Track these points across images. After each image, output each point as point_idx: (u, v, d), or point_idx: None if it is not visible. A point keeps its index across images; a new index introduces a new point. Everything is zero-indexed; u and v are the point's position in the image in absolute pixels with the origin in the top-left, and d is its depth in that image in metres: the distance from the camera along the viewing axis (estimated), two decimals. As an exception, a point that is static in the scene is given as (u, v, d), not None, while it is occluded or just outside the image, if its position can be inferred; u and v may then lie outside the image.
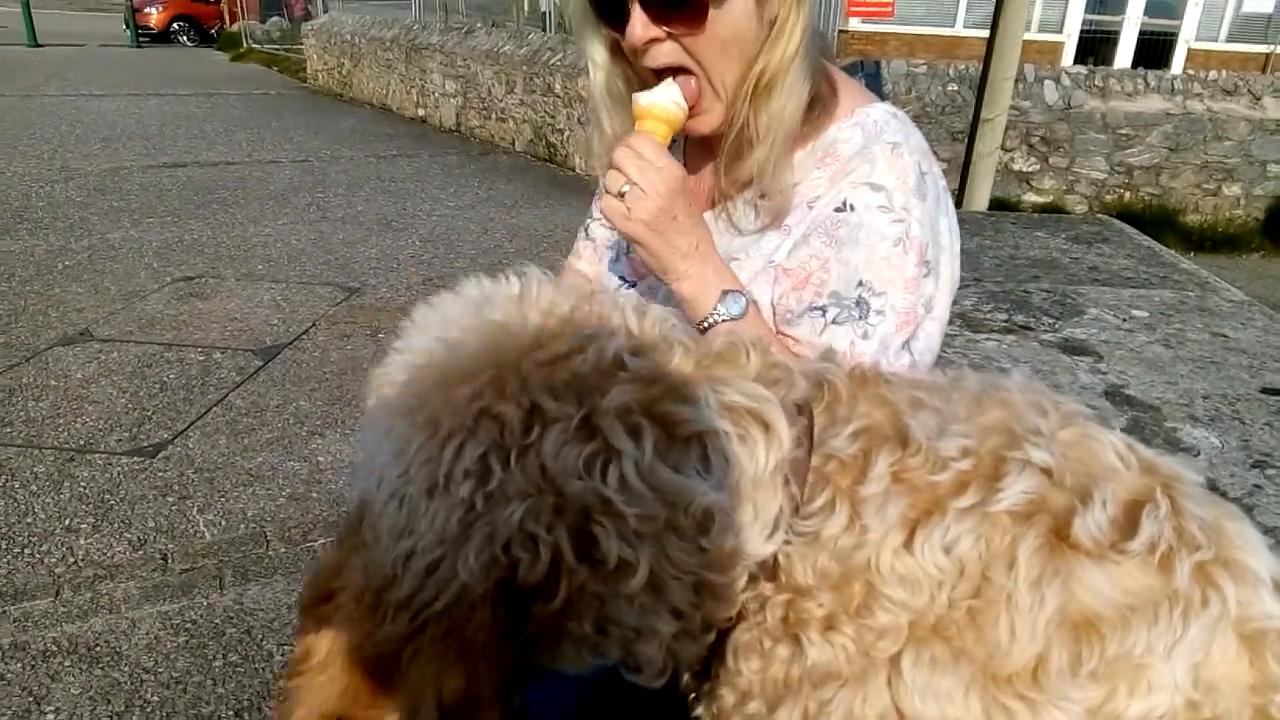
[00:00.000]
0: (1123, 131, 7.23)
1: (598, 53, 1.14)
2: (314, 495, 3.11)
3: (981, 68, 4.12)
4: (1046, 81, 6.92)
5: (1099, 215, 4.46)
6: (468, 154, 10.18)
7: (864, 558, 0.60)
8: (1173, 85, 7.08)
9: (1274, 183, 7.32)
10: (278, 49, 19.67)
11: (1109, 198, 7.39)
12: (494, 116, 10.78)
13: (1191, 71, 7.52)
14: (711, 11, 1.02)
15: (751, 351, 0.67)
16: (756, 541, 0.62)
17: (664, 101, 1.05)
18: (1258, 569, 0.58)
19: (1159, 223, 7.02)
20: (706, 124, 1.11)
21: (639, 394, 0.61)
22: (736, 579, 0.63)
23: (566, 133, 9.52)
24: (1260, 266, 6.87)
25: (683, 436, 0.61)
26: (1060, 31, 12.53)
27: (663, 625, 0.62)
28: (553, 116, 9.70)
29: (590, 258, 1.40)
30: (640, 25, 1.03)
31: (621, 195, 1.04)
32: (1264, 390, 2.31)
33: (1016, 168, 7.09)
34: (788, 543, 0.63)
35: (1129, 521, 0.57)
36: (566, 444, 0.59)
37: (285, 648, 2.38)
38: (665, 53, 1.05)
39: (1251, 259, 7.04)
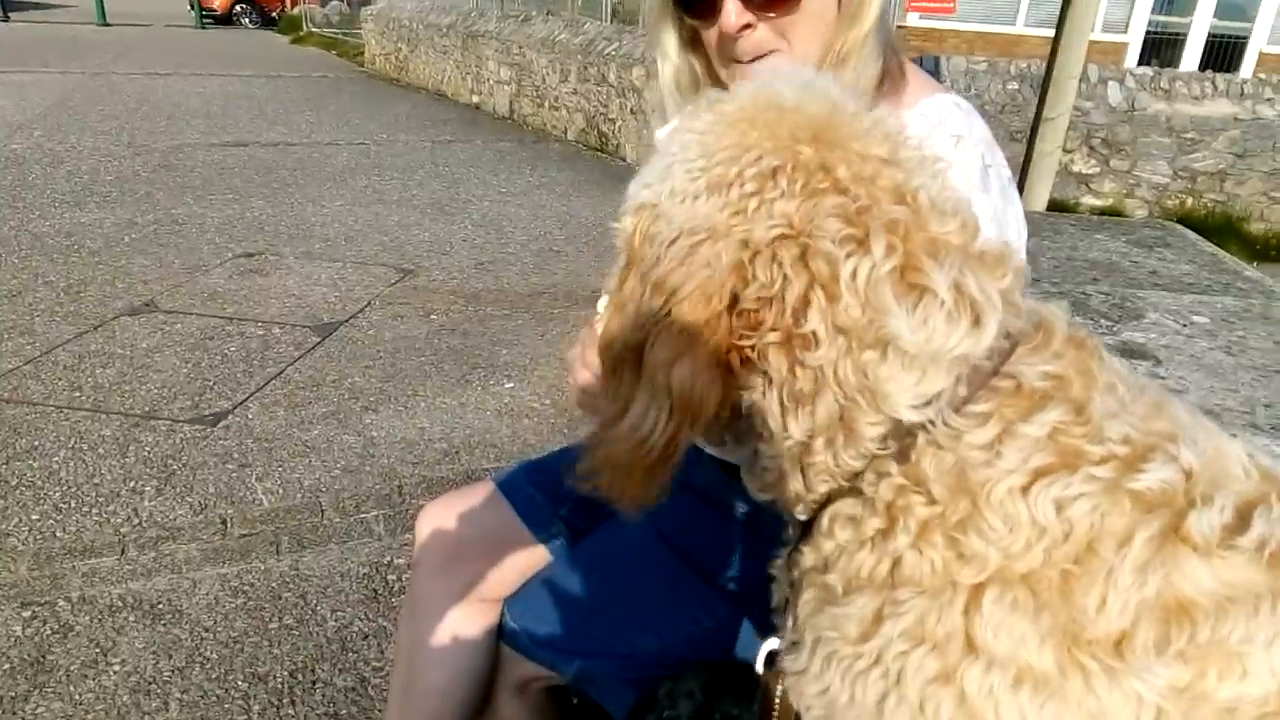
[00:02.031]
0: (1188, 135, 7.05)
1: (671, 45, 1.17)
2: (366, 469, 3.19)
3: (1046, 65, 4.05)
4: (1110, 82, 6.77)
5: (1161, 220, 4.36)
6: (520, 141, 10.27)
7: (982, 478, 0.62)
8: (1242, 89, 6.87)
9: (1347, 191, 7.11)
10: (336, 33, 19.97)
11: (1170, 203, 7.22)
12: (547, 104, 10.84)
13: (1263, 76, 7.30)
14: None
15: (1010, 273, 0.70)
16: (905, 400, 0.65)
17: None
18: None
19: (1222, 230, 6.84)
20: None
21: (909, 223, 0.67)
22: (874, 425, 0.66)
23: (619, 122, 9.55)
24: (1329, 278, 6.68)
25: (911, 281, 0.66)
26: (1125, 32, 12.23)
27: (801, 423, 0.67)
28: (605, 106, 9.73)
29: None
30: (735, 13, 1.06)
31: None
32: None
33: (1076, 169, 6.95)
34: (929, 429, 0.65)
35: (1241, 521, 0.59)
36: (833, 215, 0.65)
37: (339, 613, 2.45)
38: (758, 38, 1.08)
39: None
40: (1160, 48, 14.00)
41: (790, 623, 0.76)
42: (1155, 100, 6.89)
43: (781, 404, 0.68)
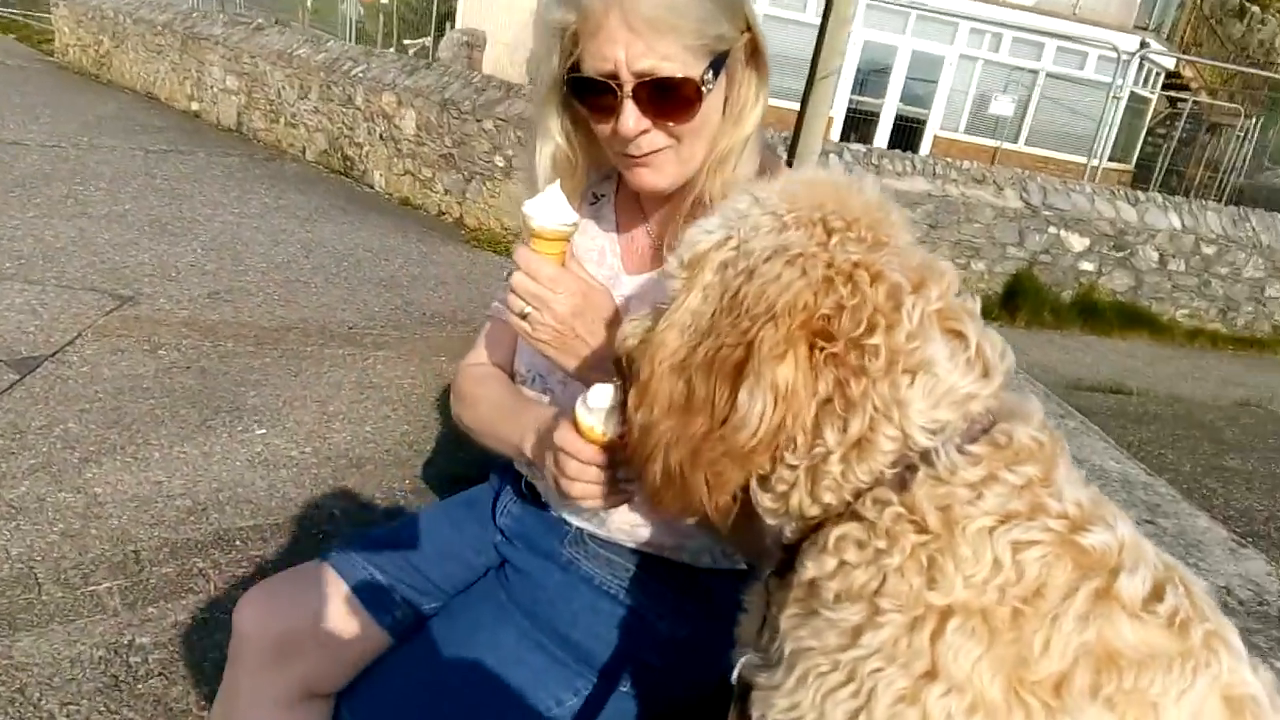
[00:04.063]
0: (891, 207, 8.12)
1: (554, 127, 1.20)
2: (92, 532, 2.75)
3: (791, 142, 4.47)
4: (832, 156, 7.62)
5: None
6: (251, 157, 9.49)
7: (964, 514, 0.71)
8: (933, 170, 8.04)
9: (1011, 262, 8.51)
10: (15, 14, 17.31)
11: (877, 264, 8.22)
12: (283, 121, 10.13)
13: (949, 159, 8.57)
14: (697, 105, 1.11)
15: (1009, 355, 0.83)
16: (920, 423, 0.76)
17: (555, 225, 1.09)
18: (1238, 646, 0.73)
19: (919, 290, 7.89)
20: (665, 182, 1.17)
21: (950, 282, 0.81)
22: (891, 441, 0.75)
23: (366, 148, 9.16)
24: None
25: (948, 326, 0.79)
26: (832, 108, 13.86)
27: (834, 434, 0.76)
28: (351, 129, 9.29)
29: None
30: (634, 119, 1.10)
31: (524, 316, 1.11)
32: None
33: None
34: (934, 459, 0.74)
35: (1156, 593, 0.70)
36: (894, 258, 0.78)
37: (71, 707, 2.08)
38: (652, 138, 1.13)
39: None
40: (858, 124, 16.03)
41: (766, 639, 0.83)
42: (868, 174, 7.83)
43: (818, 413, 0.76)
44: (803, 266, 0.75)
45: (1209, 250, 8.85)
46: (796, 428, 0.76)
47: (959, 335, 0.79)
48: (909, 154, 8.08)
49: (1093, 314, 8.57)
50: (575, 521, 1.26)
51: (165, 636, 2.38)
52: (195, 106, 11.34)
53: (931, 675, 0.67)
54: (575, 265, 1.14)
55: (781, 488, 0.79)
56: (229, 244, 6.12)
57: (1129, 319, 8.68)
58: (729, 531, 0.88)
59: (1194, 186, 15.73)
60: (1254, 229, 9.02)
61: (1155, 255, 8.78)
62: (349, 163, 9.41)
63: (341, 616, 1.25)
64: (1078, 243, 8.60)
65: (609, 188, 1.34)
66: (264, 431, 3.60)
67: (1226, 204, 9.81)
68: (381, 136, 8.97)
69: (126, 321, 4.44)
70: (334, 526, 3.03)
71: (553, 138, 1.21)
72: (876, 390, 0.75)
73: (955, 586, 0.69)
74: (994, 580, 0.69)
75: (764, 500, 0.81)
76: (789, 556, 0.83)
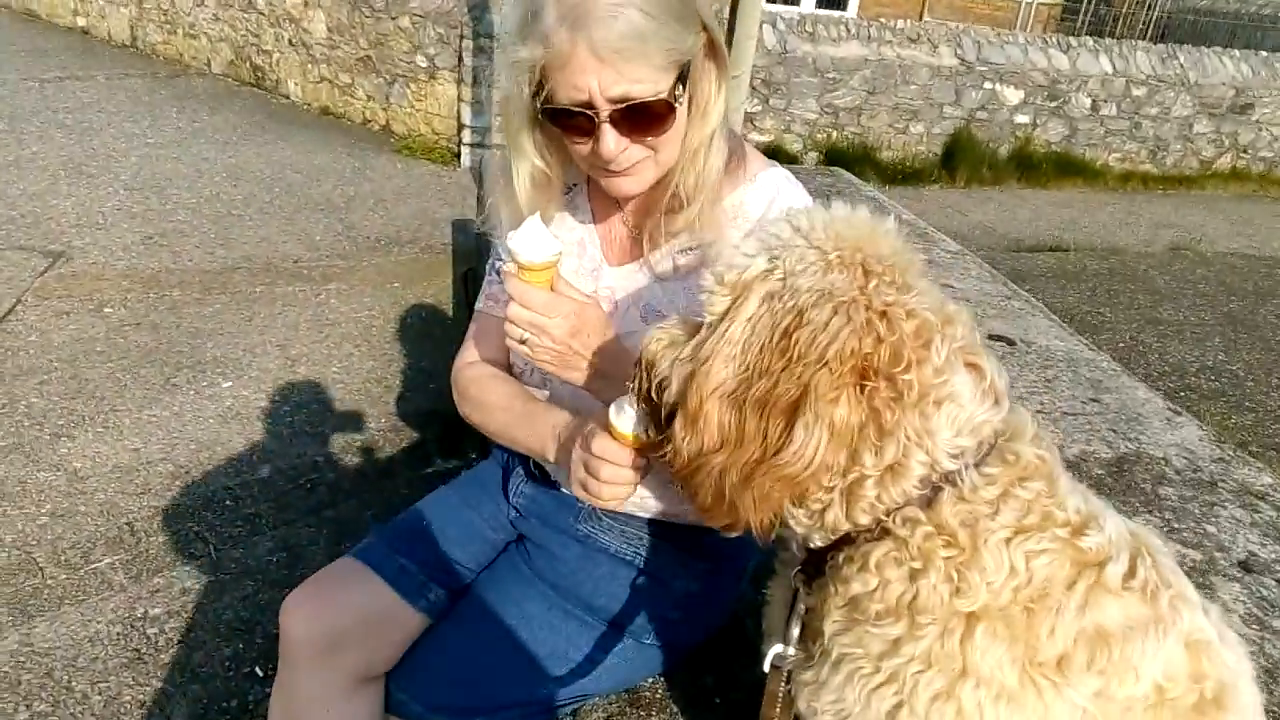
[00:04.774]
0: (830, 75, 8.00)
1: (529, 147, 1.23)
2: (81, 509, 2.78)
3: (728, 28, 4.37)
4: (765, 26, 7.43)
5: (831, 168, 4.98)
6: (154, 76, 8.93)
7: (984, 528, 0.82)
8: (868, 33, 7.91)
9: (949, 122, 8.53)
10: None
11: (820, 136, 8.19)
12: (181, 32, 9.49)
13: (883, 20, 8.42)
14: (672, 117, 1.14)
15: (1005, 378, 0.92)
16: (947, 450, 0.85)
17: (540, 259, 1.13)
18: (1193, 597, 0.87)
19: (861, 159, 7.92)
20: (641, 185, 1.20)
21: (965, 325, 0.89)
22: (921, 465, 0.84)
23: (275, 55, 8.66)
24: (939, 197, 8.04)
25: (969, 360, 0.88)
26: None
27: (871, 458, 0.84)
28: (257, 36, 8.75)
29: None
30: (614, 142, 1.12)
31: (524, 342, 1.17)
32: (991, 337, 2.81)
33: (744, 109, 7.61)
34: (958, 481, 0.84)
35: (1131, 569, 0.84)
36: (924, 298, 0.86)
37: (99, 685, 2.17)
38: (631, 153, 1.16)
39: (932, 190, 8.22)
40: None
41: (797, 632, 0.94)
42: (803, 43, 7.69)
43: (857, 441, 0.84)
44: (848, 313, 0.81)
45: (1139, 92, 8.97)
46: (842, 456, 0.84)
47: (978, 369, 0.88)
48: (842, 16, 7.92)
49: (1029, 167, 8.71)
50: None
51: (176, 604, 2.46)
52: (81, 22, 10.52)
53: (964, 674, 0.80)
54: (564, 285, 1.18)
55: (817, 506, 0.88)
56: (151, 180, 5.86)
57: (1064, 168, 8.85)
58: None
59: (1121, 16, 15.69)
60: (1182, 66, 9.13)
61: (1088, 102, 8.87)
62: (259, 73, 8.91)
63: (381, 608, 1.34)
64: (1013, 95, 8.63)
65: (579, 176, 1.35)
66: (230, 384, 3.59)
67: (1154, 35, 9.84)
68: (290, 42, 8.47)
69: (64, 281, 4.30)
70: (320, 475, 3.09)
71: (529, 158, 1.23)
72: (908, 419, 0.83)
73: (981, 594, 0.81)
74: (1010, 584, 0.81)
75: (799, 516, 0.89)
76: (815, 559, 0.93)
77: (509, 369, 1.40)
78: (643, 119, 1.11)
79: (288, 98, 8.66)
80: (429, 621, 1.38)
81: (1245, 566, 1.81)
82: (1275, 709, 1.48)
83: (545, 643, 1.32)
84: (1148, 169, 9.33)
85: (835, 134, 8.21)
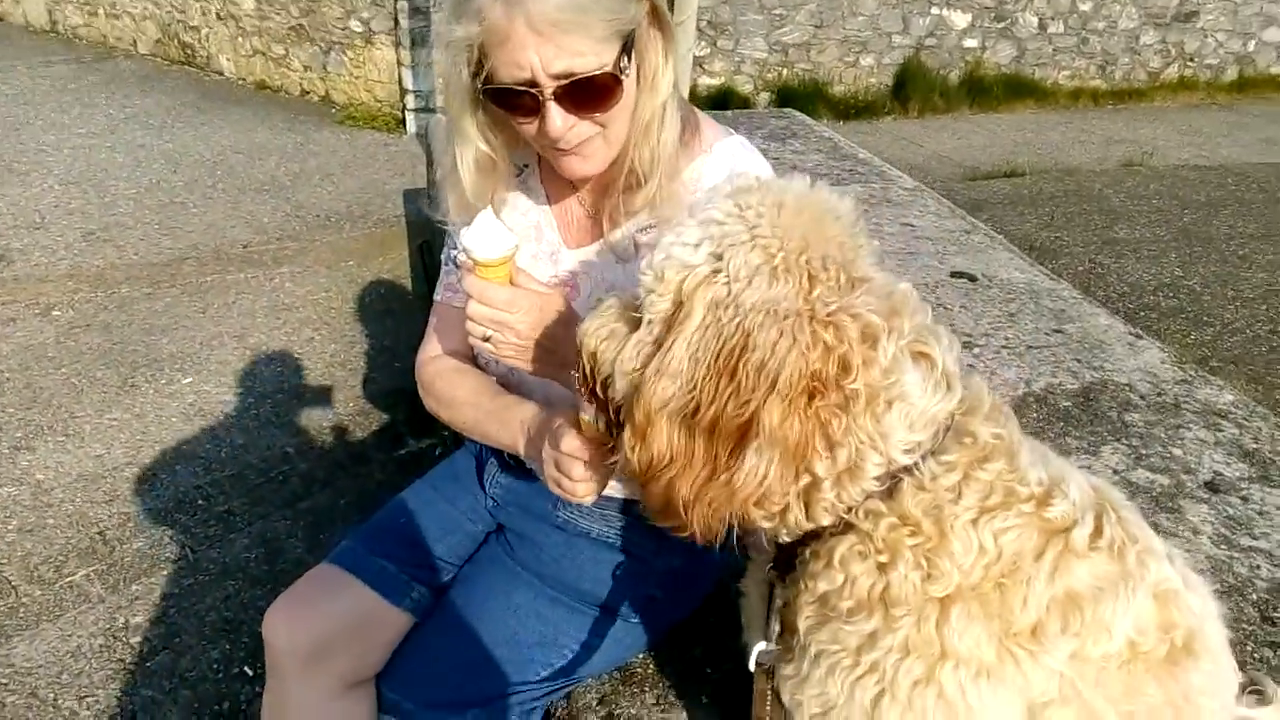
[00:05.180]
0: (776, 12, 7.87)
1: (472, 131, 1.18)
2: (50, 521, 2.73)
3: (669, -30, 4.26)
4: (705, -31, 7.26)
5: (784, 110, 4.90)
6: (78, 61, 8.58)
7: (949, 514, 0.82)
8: (814, -36, 7.76)
9: (898, 51, 8.44)
10: None
11: (770, 76, 8.08)
12: (103, 12, 9.11)
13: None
14: (618, 90, 1.10)
15: (957, 346, 0.90)
16: (899, 445, 0.83)
17: (498, 255, 1.10)
18: (1159, 548, 0.88)
19: (813, 96, 7.83)
20: (595, 167, 1.17)
21: (914, 308, 0.87)
22: (877, 466, 0.83)
23: (204, 30, 8.35)
24: (893, 129, 7.99)
25: (919, 350, 0.86)
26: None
27: (824, 465, 0.83)
28: (183, 11, 8.43)
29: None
30: (560, 119, 1.08)
31: (487, 339, 1.15)
32: (953, 274, 2.81)
33: (692, 54, 7.46)
34: (916, 472, 0.84)
35: (1097, 529, 0.84)
36: (869, 296, 0.83)
37: (87, 699, 2.16)
38: (579, 130, 1.12)
39: (885, 122, 8.16)
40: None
41: (777, 628, 0.94)
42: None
43: (808, 453, 0.83)
44: (794, 333, 0.79)
45: (1085, 7, 8.92)
46: (793, 473, 0.83)
47: (927, 357, 0.86)
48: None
49: (980, 91, 8.66)
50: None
51: (157, 611, 2.44)
52: (-6, 8, 10.05)
53: (943, 656, 0.80)
54: (524, 278, 1.14)
55: (775, 508, 0.86)
56: (87, 173, 5.66)
57: (1015, 90, 8.81)
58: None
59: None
60: (1126, -24, 9.09)
61: (1035, 21, 8.81)
62: (189, 51, 8.59)
63: (364, 611, 1.32)
64: (960, 19, 8.55)
65: (529, 156, 1.31)
66: (190, 380, 3.52)
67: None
68: (219, 15, 8.17)
69: (6, 286, 4.17)
70: (291, 466, 3.05)
71: (472, 142, 1.18)
72: (859, 425, 0.82)
73: (953, 578, 0.80)
74: (981, 562, 0.81)
75: (758, 517, 0.88)
76: (785, 554, 0.92)
77: (473, 360, 1.37)
78: (588, 94, 1.07)
79: (221, 74, 8.37)
80: (414, 620, 1.36)
81: (1212, 487, 1.85)
82: (1247, 625, 1.52)
83: (535, 631, 1.31)
84: (1097, 84, 9.33)
85: (786, 72, 8.10)
